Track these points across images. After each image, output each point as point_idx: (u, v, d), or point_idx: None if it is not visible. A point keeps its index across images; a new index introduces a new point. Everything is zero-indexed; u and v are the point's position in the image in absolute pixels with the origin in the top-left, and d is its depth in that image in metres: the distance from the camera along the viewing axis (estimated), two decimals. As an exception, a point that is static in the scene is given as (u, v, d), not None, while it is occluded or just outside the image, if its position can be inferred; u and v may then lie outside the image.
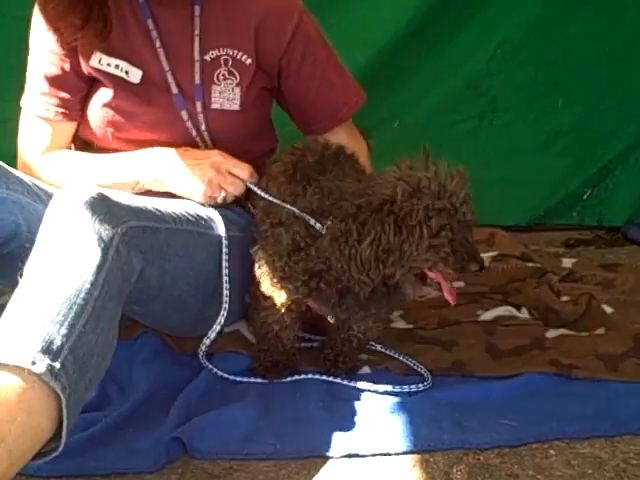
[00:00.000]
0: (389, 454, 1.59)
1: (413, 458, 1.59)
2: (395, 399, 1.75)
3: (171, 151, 1.87)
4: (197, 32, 1.87)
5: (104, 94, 1.90)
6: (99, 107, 1.91)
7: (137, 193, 1.86)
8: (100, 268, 1.48)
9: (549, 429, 1.63)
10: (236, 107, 1.91)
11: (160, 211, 1.73)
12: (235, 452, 1.61)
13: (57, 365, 1.31)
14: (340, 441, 1.61)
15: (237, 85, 1.90)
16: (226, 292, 1.82)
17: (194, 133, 1.91)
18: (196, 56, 1.87)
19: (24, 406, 1.27)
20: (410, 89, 2.87)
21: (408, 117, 2.90)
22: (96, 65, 1.87)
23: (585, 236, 2.95)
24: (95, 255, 1.49)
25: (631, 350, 1.87)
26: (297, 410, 1.72)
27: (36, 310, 1.38)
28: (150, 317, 1.85)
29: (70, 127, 1.97)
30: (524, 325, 2.07)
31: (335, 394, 1.78)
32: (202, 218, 1.84)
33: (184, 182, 1.86)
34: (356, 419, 1.69)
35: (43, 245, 1.51)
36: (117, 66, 1.87)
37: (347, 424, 1.67)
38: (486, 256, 2.52)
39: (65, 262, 1.46)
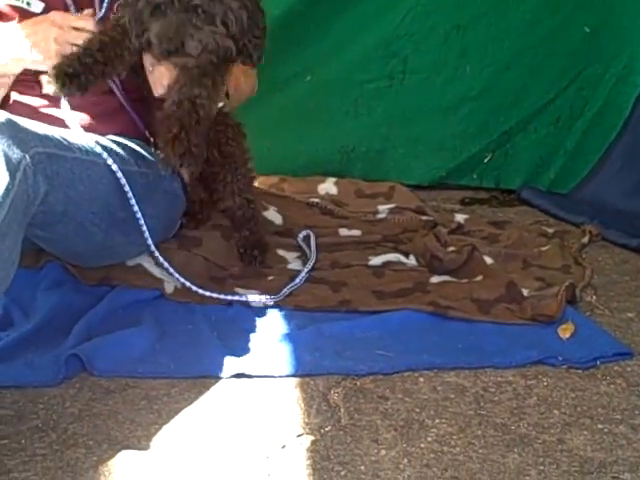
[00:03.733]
0: (273, 376, 1.74)
1: (295, 381, 1.74)
2: (283, 330, 1.90)
3: (10, 25, 1.91)
4: None
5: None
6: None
7: None
8: (8, 191, 1.58)
9: (420, 360, 1.80)
10: None
11: (67, 140, 1.80)
12: (131, 370, 1.75)
13: None
14: (230, 363, 1.75)
15: None
16: (143, 226, 1.91)
17: None
18: None
19: None
20: (323, 45, 2.96)
21: (320, 72, 2.99)
22: None
23: (481, 196, 3.11)
24: (3, 178, 1.57)
25: (502, 296, 2.04)
26: (191, 336, 1.86)
27: None
28: (53, 243, 1.92)
29: None
30: (410, 271, 2.23)
31: (228, 319, 1.93)
32: (106, 150, 1.89)
33: (32, 49, 1.87)
34: (246, 345, 1.83)
35: None
36: None
37: (237, 349, 1.81)
38: (384, 207, 2.68)
39: None
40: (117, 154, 1.92)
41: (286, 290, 2.04)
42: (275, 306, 2.00)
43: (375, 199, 2.78)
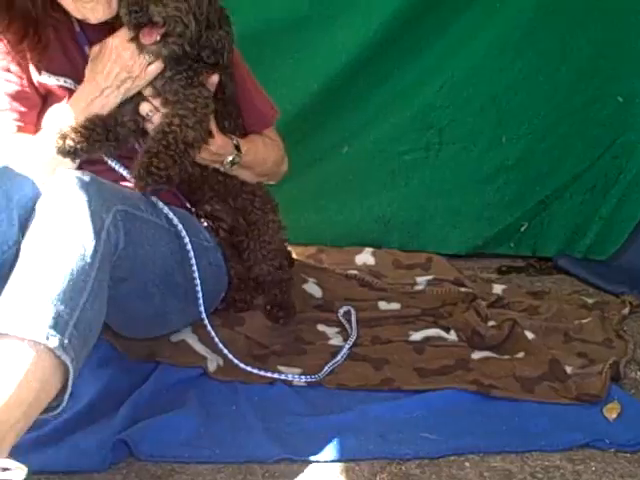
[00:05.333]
0: (318, 461, 1.74)
1: (340, 466, 1.74)
2: (327, 411, 1.90)
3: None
4: None
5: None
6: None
7: None
8: (96, 252, 1.64)
9: (465, 443, 1.79)
10: None
11: (138, 199, 1.88)
12: (177, 455, 1.76)
13: (66, 340, 1.52)
14: (274, 448, 1.75)
15: None
16: (199, 293, 1.96)
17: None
18: None
19: (39, 375, 1.50)
20: (360, 117, 3.00)
21: (358, 144, 3.02)
22: (45, 80, 2.01)
23: (518, 264, 3.10)
24: (90, 240, 1.64)
25: (546, 374, 2.03)
26: (235, 419, 1.87)
27: (42, 288, 1.55)
28: (114, 304, 1.88)
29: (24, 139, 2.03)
30: (451, 346, 2.23)
31: (271, 399, 1.94)
32: (167, 217, 1.96)
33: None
34: (289, 428, 1.84)
35: (42, 223, 1.65)
36: (65, 81, 2.02)
37: (281, 433, 1.82)
38: (422, 279, 2.69)
39: (64, 242, 1.61)
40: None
41: (327, 368, 2.05)
42: (317, 385, 2.01)
43: (413, 270, 2.79)
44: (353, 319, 2.29)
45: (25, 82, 2.01)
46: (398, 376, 2.04)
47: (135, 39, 1.89)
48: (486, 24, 2.90)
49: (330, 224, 3.08)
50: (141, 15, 1.84)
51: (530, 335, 2.26)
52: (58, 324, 1.52)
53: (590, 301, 2.63)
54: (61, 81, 2.01)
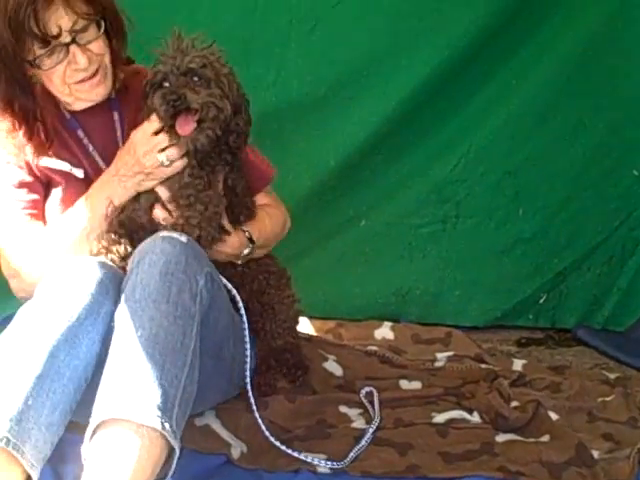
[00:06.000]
0: None
1: None
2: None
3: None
4: (119, 134, 2.08)
5: (56, 193, 2.05)
6: (56, 204, 2.05)
7: None
8: (194, 319, 1.67)
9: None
10: None
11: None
12: None
13: (174, 424, 1.56)
14: None
15: None
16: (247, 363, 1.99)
17: None
18: None
19: (154, 460, 1.56)
20: (377, 191, 3.03)
21: (375, 217, 3.04)
22: (43, 164, 2.04)
23: (537, 335, 3.10)
24: (189, 304, 1.67)
25: (573, 459, 2.01)
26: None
27: (148, 366, 1.57)
28: None
29: (39, 227, 2.04)
30: (474, 428, 2.21)
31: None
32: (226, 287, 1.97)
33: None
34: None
35: (137, 289, 1.67)
36: (62, 164, 2.05)
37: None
38: (442, 355, 2.68)
39: (163, 312, 1.63)
40: None
41: (352, 454, 2.03)
42: (342, 472, 1.99)
43: (432, 345, 2.78)
44: (376, 401, 2.28)
45: (26, 171, 2.03)
46: (423, 462, 2.02)
47: (171, 129, 1.91)
48: (502, 101, 2.93)
49: (347, 297, 3.09)
50: (180, 103, 1.87)
51: (554, 416, 2.24)
52: (167, 407, 1.55)
53: (612, 376, 2.62)
54: (58, 165, 2.04)
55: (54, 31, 1.86)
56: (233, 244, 2.05)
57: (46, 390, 1.62)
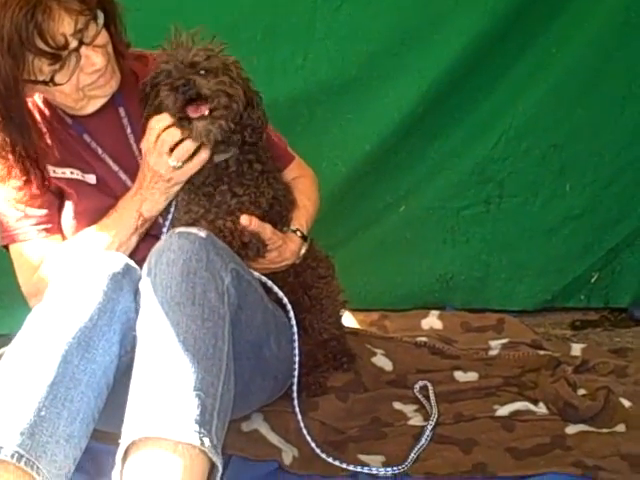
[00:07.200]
0: None
1: None
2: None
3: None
4: (129, 130, 1.93)
5: (70, 204, 1.91)
6: (70, 217, 1.91)
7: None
8: (224, 319, 1.53)
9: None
10: None
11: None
12: None
13: (214, 438, 1.41)
14: None
15: None
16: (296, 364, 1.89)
17: None
18: (135, 151, 1.92)
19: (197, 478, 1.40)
20: (415, 175, 2.89)
21: (414, 202, 2.91)
22: (53, 175, 1.89)
23: (591, 317, 2.96)
24: (220, 306, 1.53)
25: (654, 449, 1.86)
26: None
27: (183, 377, 1.43)
28: None
29: (56, 241, 1.92)
30: (542, 420, 2.06)
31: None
32: (263, 284, 1.87)
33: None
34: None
35: (160, 294, 1.53)
36: (72, 172, 1.90)
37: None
38: (496, 343, 2.54)
39: (192, 316, 1.50)
40: None
41: (413, 455, 1.89)
42: (404, 475, 1.85)
43: (485, 333, 2.64)
44: (431, 395, 2.14)
45: (33, 187, 1.88)
46: (490, 460, 1.87)
47: (181, 121, 1.79)
48: (542, 72, 2.79)
49: (390, 286, 2.96)
50: (189, 88, 1.75)
51: (627, 403, 2.09)
52: (205, 420, 1.41)
53: (678, 355, 2.46)
54: (67, 173, 1.90)
55: (61, 41, 1.70)
56: (292, 250, 1.94)
57: (61, 399, 1.47)
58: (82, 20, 1.72)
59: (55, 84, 1.75)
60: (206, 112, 1.78)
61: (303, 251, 1.99)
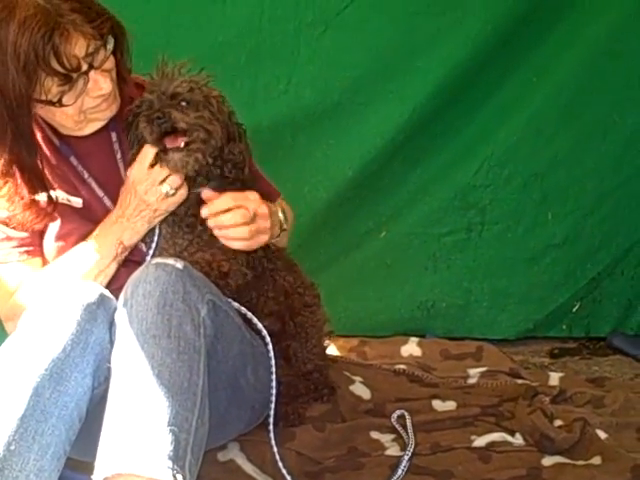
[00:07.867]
0: None
1: None
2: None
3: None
4: (119, 156, 1.92)
5: (53, 227, 1.89)
6: (53, 240, 1.88)
7: None
8: (199, 352, 1.51)
9: None
10: None
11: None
12: None
13: (187, 474, 1.39)
14: None
15: None
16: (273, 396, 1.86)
17: None
18: (124, 176, 1.90)
19: None
20: (397, 200, 2.89)
21: (395, 228, 2.90)
22: (38, 198, 1.86)
23: (569, 345, 2.96)
24: (195, 342, 1.51)
25: (629, 483, 1.85)
26: None
27: (156, 411, 1.41)
28: None
29: (37, 264, 1.90)
30: (518, 451, 2.05)
31: None
32: (242, 315, 1.84)
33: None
34: None
35: (135, 326, 1.52)
36: (57, 197, 1.88)
37: None
38: (474, 371, 2.53)
39: (167, 348, 1.48)
40: None
41: (389, 486, 1.88)
42: (380, 507, 1.84)
43: (463, 360, 2.63)
44: (409, 424, 2.12)
45: (18, 207, 1.85)
46: (467, 493, 1.86)
47: (159, 154, 1.79)
48: (523, 100, 2.81)
49: (370, 312, 2.95)
50: (164, 121, 1.76)
51: (602, 434, 2.08)
52: (178, 455, 1.39)
53: (656, 387, 2.46)
54: (53, 195, 1.87)
55: (74, 63, 1.71)
56: (255, 200, 1.87)
57: (32, 432, 1.45)
58: (94, 44, 1.74)
59: (62, 105, 1.76)
60: (182, 144, 1.79)
61: (281, 216, 1.97)
